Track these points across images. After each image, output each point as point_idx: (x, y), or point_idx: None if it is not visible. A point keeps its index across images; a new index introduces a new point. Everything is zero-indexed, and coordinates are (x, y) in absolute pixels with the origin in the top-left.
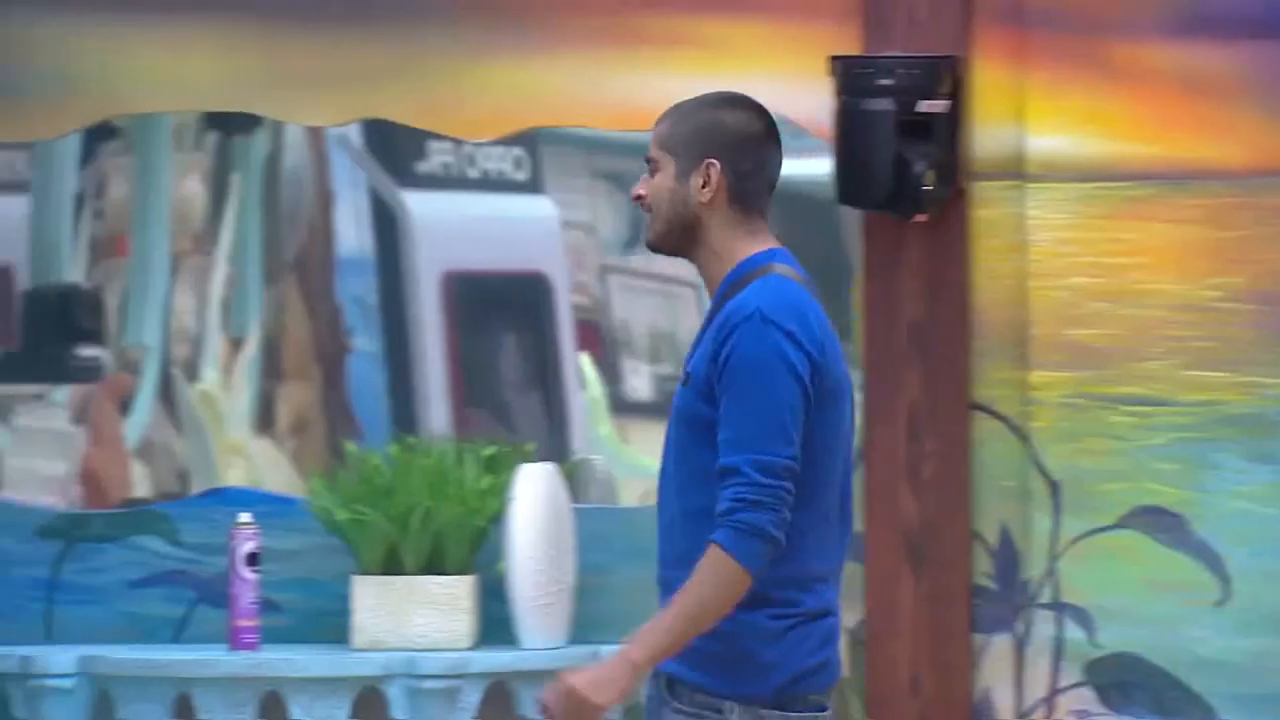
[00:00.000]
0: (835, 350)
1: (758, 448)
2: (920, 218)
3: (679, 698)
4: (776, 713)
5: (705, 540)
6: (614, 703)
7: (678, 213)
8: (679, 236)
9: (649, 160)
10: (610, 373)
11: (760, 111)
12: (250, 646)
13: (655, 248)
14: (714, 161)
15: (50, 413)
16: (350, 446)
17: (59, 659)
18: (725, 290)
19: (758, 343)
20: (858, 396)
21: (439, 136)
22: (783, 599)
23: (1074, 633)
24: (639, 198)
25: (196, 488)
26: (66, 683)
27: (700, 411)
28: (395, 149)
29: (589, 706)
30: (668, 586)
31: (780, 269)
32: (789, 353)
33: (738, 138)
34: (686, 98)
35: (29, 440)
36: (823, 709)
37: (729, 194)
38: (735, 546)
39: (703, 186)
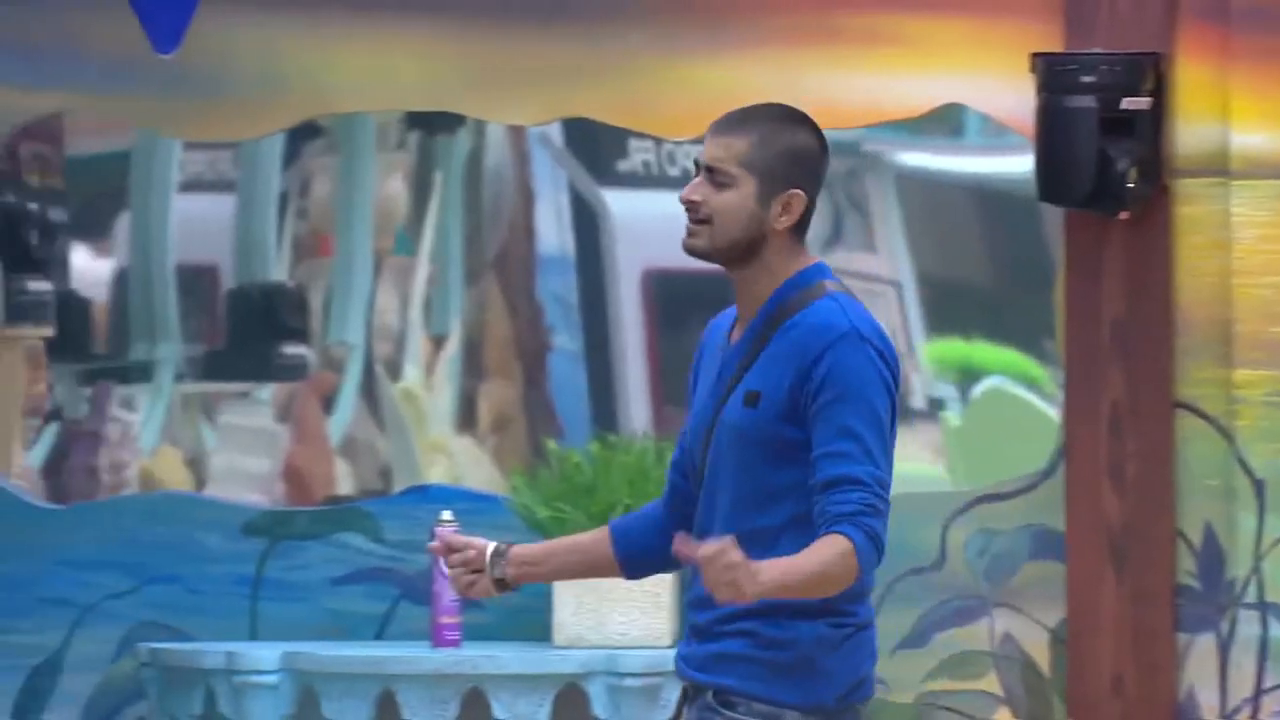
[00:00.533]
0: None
1: (876, 463)
2: (1123, 215)
3: (733, 709)
4: None
5: (779, 556)
6: (741, 595)
7: (748, 233)
8: (739, 253)
9: (714, 170)
10: None
11: (819, 130)
12: (452, 644)
13: (704, 257)
14: (799, 192)
15: (255, 410)
16: (551, 444)
17: (263, 655)
18: (776, 307)
19: (859, 359)
20: (1059, 395)
21: (639, 135)
22: (842, 609)
23: (1279, 632)
24: (692, 203)
25: (399, 485)
26: (270, 679)
27: (779, 433)
28: (596, 147)
29: (735, 582)
30: (712, 604)
31: (834, 285)
32: (883, 370)
33: (815, 165)
34: (750, 107)
35: (234, 438)
36: None
37: (797, 219)
38: (863, 550)
39: (781, 214)
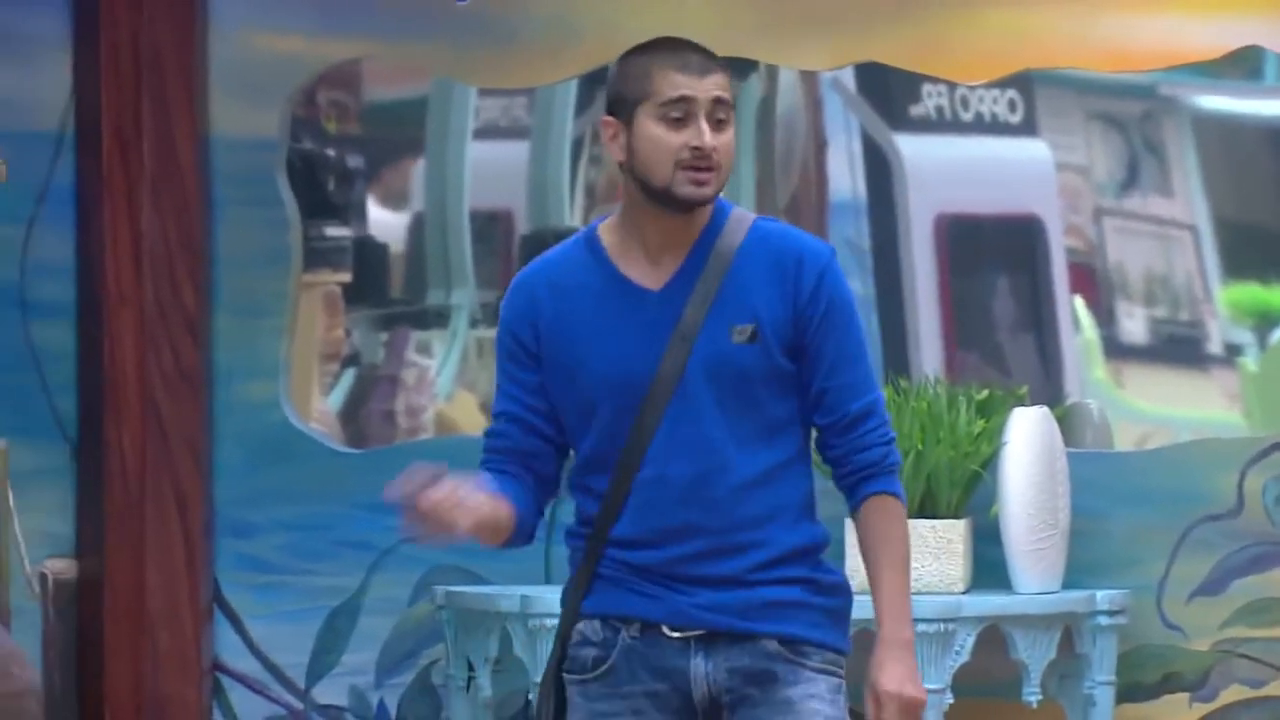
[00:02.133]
0: None
1: (877, 386)
2: None
3: (808, 658)
4: None
5: (800, 491)
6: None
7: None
8: None
9: (721, 104)
10: (1104, 316)
11: None
12: None
13: (706, 203)
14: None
15: None
16: None
17: (557, 599)
18: (717, 238)
19: (844, 281)
20: None
21: (932, 79)
22: None
23: None
24: (714, 150)
25: None
26: None
27: (779, 365)
28: (888, 92)
29: (918, 704)
30: (763, 546)
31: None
32: None
33: None
34: (692, 43)
35: None
36: None
37: None
38: (899, 490)
39: None
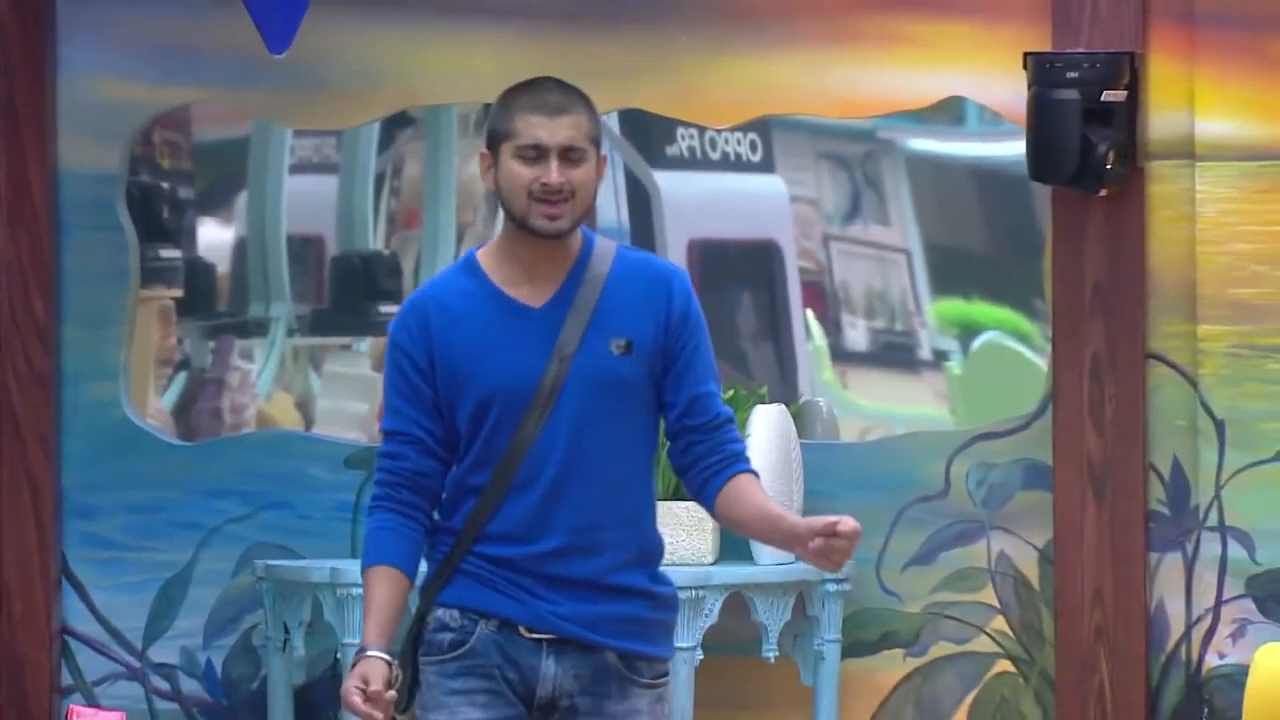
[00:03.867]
0: None
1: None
2: (1102, 192)
3: (639, 674)
4: None
5: (651, 497)
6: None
7: (592, 201)
8: (580, 222)
9: (572, 149)
10: (831, 326)
11: None
12: None
13: (565, 234)
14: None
15: (354, 361)
16: None
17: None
18: (587, 264)
19: (697, 302)
20: (1047, 347)
21: (685, 124)
22: None
23: (1237, 552)
24: (561, 186)
25: None
26: None
27: (645, 378)
28: (648, 134)
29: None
30: (617, 547)
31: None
32: None
33: None
34: (561, 84)
35: (336, 384)
36: None
37: None
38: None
39: (599, 177)
